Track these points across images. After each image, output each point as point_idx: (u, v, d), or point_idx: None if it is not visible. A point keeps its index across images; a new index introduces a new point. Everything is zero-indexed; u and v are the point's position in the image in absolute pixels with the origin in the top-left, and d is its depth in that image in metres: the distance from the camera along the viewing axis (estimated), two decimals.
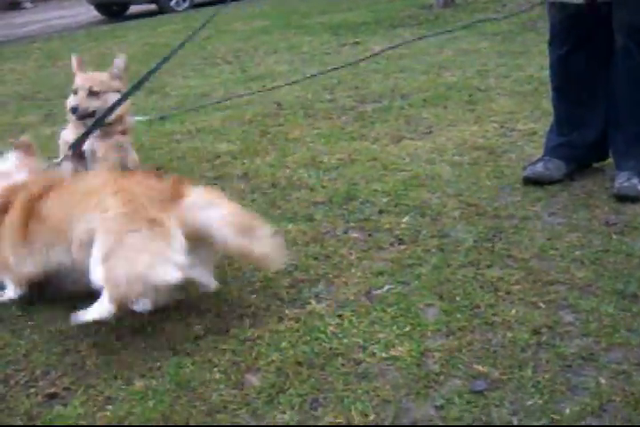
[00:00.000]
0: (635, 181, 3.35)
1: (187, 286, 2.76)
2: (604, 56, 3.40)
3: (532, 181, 3.56)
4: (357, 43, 7.86)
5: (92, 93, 3.63)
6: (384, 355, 2.41)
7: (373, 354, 2.42)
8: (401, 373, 2.32)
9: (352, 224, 3.36)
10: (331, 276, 2.93)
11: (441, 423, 2.09)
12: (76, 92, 3.65)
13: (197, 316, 2.73)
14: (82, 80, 3.68)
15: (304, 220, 3.46)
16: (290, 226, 3.39)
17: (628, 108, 3.42)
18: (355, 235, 3.26)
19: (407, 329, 2.53)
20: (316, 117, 5.13)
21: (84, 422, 2.25)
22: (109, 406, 2.32)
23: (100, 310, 2.54)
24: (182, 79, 7.27)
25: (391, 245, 3.14)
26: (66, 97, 6.92)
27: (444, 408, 2.15)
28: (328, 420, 2.16)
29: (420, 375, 2.30)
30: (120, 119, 3.69)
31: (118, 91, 3.68)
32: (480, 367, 2.30)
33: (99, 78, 3.70)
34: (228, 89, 6.51)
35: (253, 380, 2.36)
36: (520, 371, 2.26)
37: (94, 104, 3.64)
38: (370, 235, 3.24)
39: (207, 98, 6.23)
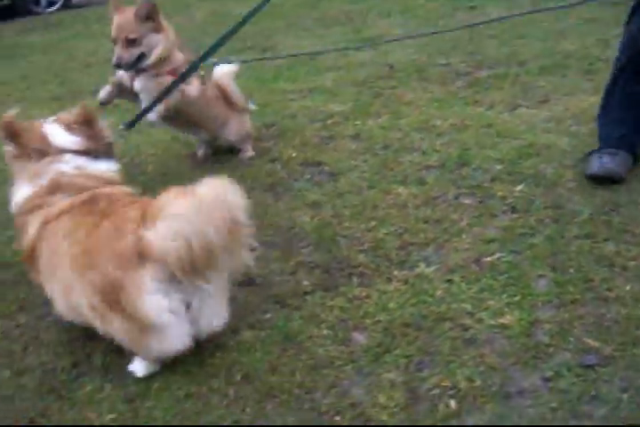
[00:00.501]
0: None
1: (294, 246, 2.80)
2: None
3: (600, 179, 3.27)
4: (473, 7, 7.64)
5: (130, 42, 3.46)
6: (492, 322, 2.38)
7: (481, 321, 2.40)
8: (509, 341, 2.30)
9: (464, 190, 3.31)
10: (440, 240, 2.91)
11: (548, 395, 2.06)
12: (115, 42, 3.50)
13: (306, 272, 2.77)
14: (117, 30, 3.48)
15: (415, 183, 3.42)
16: (401, 189, 3.37)
17: None
18: (466, 201, 3.21)
19: (517, 298, 2.49)
20: (429, 81, 5.04)
21: (193, 369, 2.33)
22: (218, 354, 2.39)
23: None
24: (294, 39, 7.26)
25: (503, 213, 3.08)
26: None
27: (551, 380, 2.12)
28: (433, 382, 2.16)
29: (529, 346, 2.27)
30: (167, 60, 3.64)
31: (155, 30, 3.55)
32: (591, 342, 2.25)
33: (131, 23, 3.46)
34: (341, 50, 6.45)
35: (360, 338, 2.38)
36: (633, 348, 2.21)
37: (135, 52, 3.49)
38: (481, 202, 3.19)
39: (319, 58, 6.20)
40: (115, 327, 2.21)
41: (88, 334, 2.53)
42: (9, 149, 2.51)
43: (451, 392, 2.12)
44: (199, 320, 2.24)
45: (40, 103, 5.82)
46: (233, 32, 3.51)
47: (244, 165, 3.87)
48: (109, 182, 2.53)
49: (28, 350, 2.59)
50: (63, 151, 2.52)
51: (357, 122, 4.33)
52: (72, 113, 2.62)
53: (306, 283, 2.70)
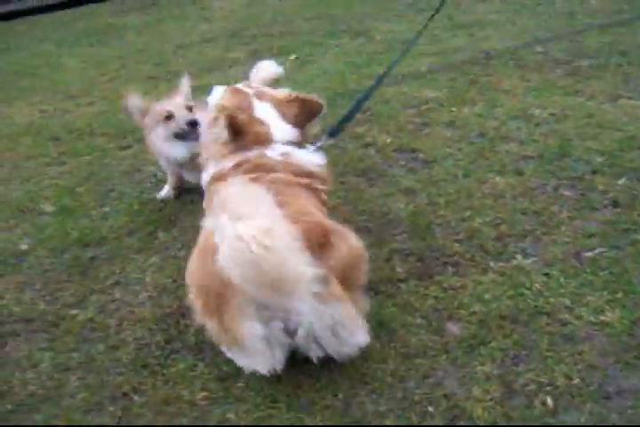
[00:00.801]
0: None
1: (388, 233, 2.76)
2: None
3: None
4: None
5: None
6: (592, 319, 2.31)
7: (581, 317, 2.33)
8: (609, 340, 2.22)
9: (563, 182, 3.21)
10: (539, 232, 2.83)
11: None
12: (190, 109, 3.41)
13: (401, 259, 2.74)
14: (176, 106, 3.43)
15: (512, 173, 3.34)
16: (497, 178, 3.29)
17: None
18: (566, 193, 3.12)
19: (619, 295, 2.41)
20: (526, 69, 4.91)
21: None
22: None
23: None
24: (387, 24, 7.18)
25: (605, 207, 2.98)
26: (271, 35, 7.14)
27: None
28: (529, 377, 2.11)
29: (631, 345, 2.19)
30: None
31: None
32: None
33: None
34: (434, 36, 6.36)
35: (454, 328, 2.35)
36: None
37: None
38: (582, 194, 3.09)
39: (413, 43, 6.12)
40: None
41: (182, 312, 2.57)
42: (219, 134, 2.52)
43: (547, 389, 2.07)
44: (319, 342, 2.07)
45: (135, 82, 5.93)
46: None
47: (339, 149, 3.85)
48: (308, 175, 2.46)
49: (123, 325, 2.64)
50: (278, 142, 2.53)
51: (453, 109, 4.25)
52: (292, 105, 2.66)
53: (400, 270, 2.67)
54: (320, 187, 2.45)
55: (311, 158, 2.55)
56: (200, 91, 5.26)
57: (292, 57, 6.12)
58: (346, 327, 2.04)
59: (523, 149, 3.59)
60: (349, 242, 2.13)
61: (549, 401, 2.03)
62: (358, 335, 2.11)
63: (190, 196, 3.53)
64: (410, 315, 2.42)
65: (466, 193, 3.18)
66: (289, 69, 5.64)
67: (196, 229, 3.08)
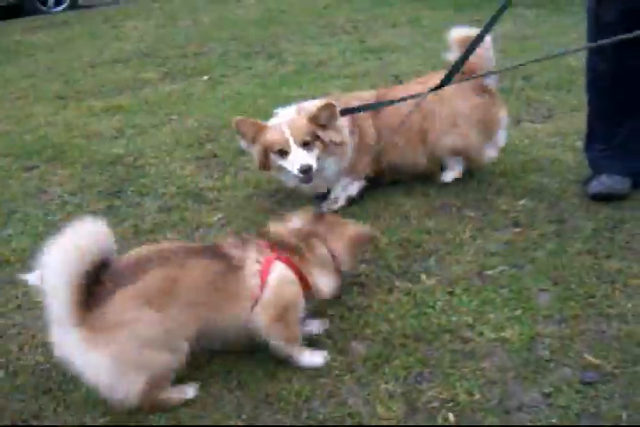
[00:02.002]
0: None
1: None
2: None
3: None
4: (479, 20, 7.66)
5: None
6: (493, 336, 2.37)
7: (482, 334, 2.39)
8: (509, 355, 2.28)
9: (467, 202, 3.30)
10: (442, 252, 2.90)
11: (548, 410, 2.05)
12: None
13: None
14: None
15: (419, 194, 3.42)
16: (403, 199, 3.37)
17: None
18: (469, 213, 3.21)
19: (518, 312, 2.48)
20: None
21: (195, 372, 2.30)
22: (215, 360, 2.37)
23: None
24: (300, 46, 7.27)
25: (506, 226, 3.08)
26: (184, 56, 7.13)
27: (551, 396, 2.11)
28: (432, 394, 2.15)
29: (530, 360, 2.26)
30: None
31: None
32: (592, 358, 2.24)
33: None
34: (346, 59, 6.48)
35: (359, 348, 2.37)
36: (634, 366, 2.20)
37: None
38: (484, 215, 3.19)
39: (324, 66, 6.21)
40: None
41: None
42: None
43: (449, 405, 2.11)
44: None
45: (43, 101, 5.82)
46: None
47: (248, 171, 3.85)
48: None
49: (24, 350, 2.57)
50: None
51: None
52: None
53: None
54: None
55: None
56: (112, 111, 5.25)
57: (205, 78, 6.13)
58: None
59: None
60: None
61: (451, 417, 2.06)
62: None
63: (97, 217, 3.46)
64: (316, 335, 2.44)
65: (373, 214, 3.24)
66: (201, 90, 5.65)
67: None
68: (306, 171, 3.06)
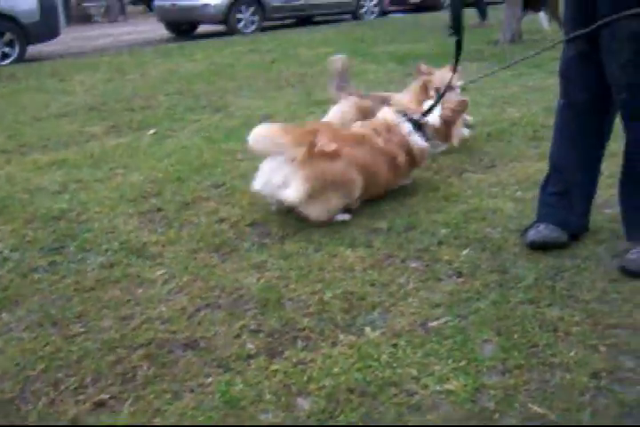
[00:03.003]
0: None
1: (239, 308, 2.77)
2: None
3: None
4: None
5: None
6: (438, 388, 2.36)
7: (427, 386, 2.37)
8: (454, 407, 2.27)
9: (411, 253, 3.32)
10: (387, 304, 2.90)
11: None
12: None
13: (251, 335, 2.72)
14: None
15: (363, 246, 3.43)
16: (348, 251, 3.37)
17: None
18: (413, 264, 3.23)
19: (462, 364, 2.48)
20: None
21: None
22: (156, 419, 2.31)
23: None
24: (246, 100, 7.34)
25: (449, 277, 3.10)
26: (131, 110, 7.13)
27: None
28: None
29: (474, 411, 2.25)
30: None
31: None
32: (536, 408, 2.24)
33: None
34: (291, 112, 6.55)
35: (304, 403, 2.34)
36: (577, 414, 2.20)
37: None
38: (428, 265, 3.21)
39: (270, 120, 6.27)
40: None
41: (25, 396, 2.45)
42: None
43: None
44: None
45: None
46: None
47: (192, 225, 3.84)
48: None
49: None
50: None
51: None
52: None
53: (250, 346, 2.65)
54: None
55: None
56: (56, 165, 5.19)
57: (151, 132, 6.12)
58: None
59: (372, 222, 3.71)
60: None
61: None
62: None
63: (38, 273, 3.39)
64: (259, 392, 2.40)
65: (317, 267, 3.23)
66: (147, 144, 5.64)
67: (44, 309, 2.99)
68: None
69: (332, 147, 3.59)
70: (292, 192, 3.50)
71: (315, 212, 3.62)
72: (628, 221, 3.22)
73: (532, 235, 3.32)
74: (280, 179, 3.55)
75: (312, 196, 3.52)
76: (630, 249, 3.12)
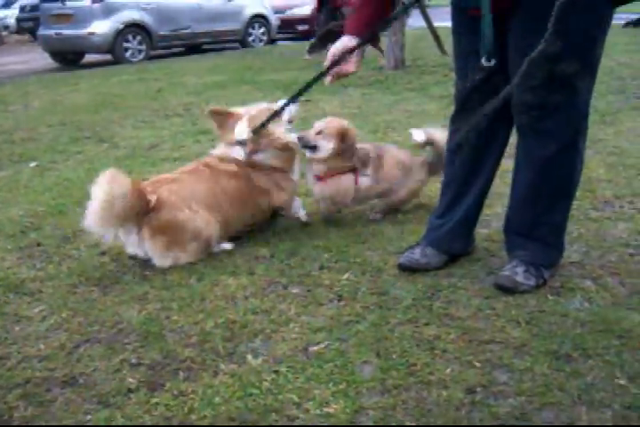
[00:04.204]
0: (519, 269, 3.21)
1: (119, 342, 2.74)
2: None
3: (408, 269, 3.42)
4: (308, 101, 7.97)
5: None
6: (318, 412, 2.39)
7: (308, 411, 2.40)
8: None
9: (293, 279, 3.36)
10: (268, 331, 2.92)
11: None
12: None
13: (131, 369, 2.69)
14: None
15: (245, 273, 3.45)
16: (230, 280, 3.38)
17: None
18: (295, 290, 3.26)
19: (342, 386, 2.52)
20: None
21: None
22: None
23: None
24: (132, 130, 7.27)
25: (330, 301, 3.15)
26: (12, 142, 6.95)
27: None
28: None
29: None
30: None
31: None
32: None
33: None
34: (178, 141, 6.53)
35: None
36: None
37: None
38: (309, 290, 3.25)
39: (156, 149, 6.23)
40: None
41: None
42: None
43: None
44: None
45: None
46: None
47: (73, 259, 3.77)
48: None
49: None
50: None
51: None
52: None
53: (131, 380, 2.61)
54: None
55: None
56: None
57: (33, 164, 5.98)
58: None
59: (255, 249, 3.73)
60: None
61: None
62: None
63: None
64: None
65: (199, 296, 3.22)
66: (28, 177, 5.51)
67: None
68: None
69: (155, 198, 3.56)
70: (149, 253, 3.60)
71: (170, 261, 3.61)
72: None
73: (403, 257, 3.44)
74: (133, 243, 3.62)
75: (167, 249, 3.58)
76: (504, 266, 3.26)
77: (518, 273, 3.17)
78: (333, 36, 11.61)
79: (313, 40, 13.11)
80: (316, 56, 11.99)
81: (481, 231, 3.76)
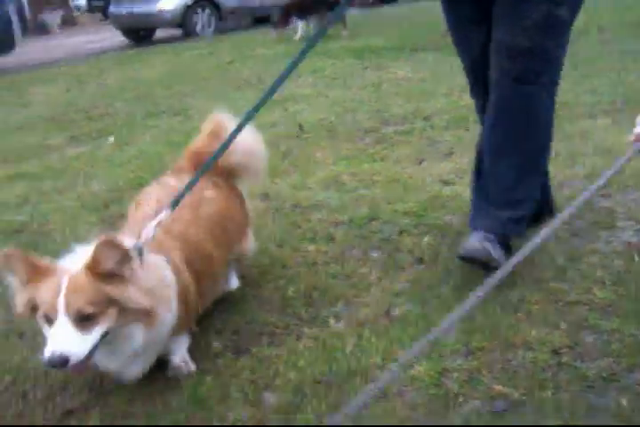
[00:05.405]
0: (488, 244, 2.86)
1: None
2: None
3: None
4: (378, 66, 7.91)
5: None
6: (402, 375, 2.39)
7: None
8: (419, 393, 2.31)
9: (372, 244, 3.35)
10: (350, 295, 2.93)
11: None
12: None
13: (216, 334, 2.74)
14: None
15: (325, 240, 3.46)
16: (310, 246, 3.39)
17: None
18: (375, 255, 3.26)
19: (426, 349, 2.51)
20: (338, 139, 5.15)
21: None
22: (127, 423, 2.32)
23: None
24: (205, 102, 7.31)
25: (411, 265, 3.13)
26: (90, 119, 7.10)
27: None
28: None
29: (439, 395, 2.28)
30: None
31: None
32: (500, 388, 2.28)
33: None
34: None
35: (271, 398, 2.36)
36: (540, 391, 2.24)
37: None
38: (389, 255, 3.24)
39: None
40: None
41: None
42: None
43: None
44: None
45: None
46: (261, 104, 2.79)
47: None
48: None
49: None
50: None
51: (267, 181, 4.36)
52: None
53: (216, 345, 2.66)
54: None
55: None
56: (16, 178, 5.17)
57: (111, 139, 6.10)
58: None
59: (334, 216, 3.73)
60: None
61: None
62: None
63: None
64: (226, 389, 2.41)
65: (280, 263, 3.25)
66: (107, 152, 5.63)
67: (9, 322, 2.98)
68: (57, 364, 2.00)
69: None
70: None
71: None
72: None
73: (465, 245, 2.94)
74: None
75: None
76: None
77: (489, 247, 2.85)
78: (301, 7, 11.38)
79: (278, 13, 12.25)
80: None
81: (564, 192, 3.67)
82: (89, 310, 2.07)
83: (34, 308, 2.14)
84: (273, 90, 2.58)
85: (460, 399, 2.25)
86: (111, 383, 2.52)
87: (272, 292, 3.01)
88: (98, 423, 2.32)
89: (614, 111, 4.96)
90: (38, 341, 2.81)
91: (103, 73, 10.57)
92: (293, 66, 2.45)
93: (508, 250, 2.91)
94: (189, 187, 2.48)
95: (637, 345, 2.41)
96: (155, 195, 2.75)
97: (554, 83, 2.94)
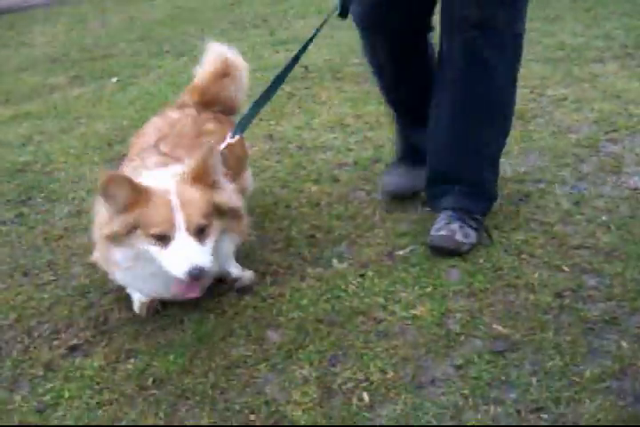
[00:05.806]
0: (454, 226, 2.76)
1: None
2: None
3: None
4: None
5: None
6: (405, 314, 2.41)
7: (394, 313, 2.42)
8: (421, 332, 2.32)
9: (377, 186, 3.33)
10: (353, 236, 2.93)
11: (460, 382, 2.09)
12: None
13: None
14: None
15: (329, 181, 3.44)
16: (314, 187, 3.38)
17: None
18: (379, 196, 3.24)
19: (429, 290, 2.53)
20: (343, 81, 5.08)
21: (105, 374, 2.29)
22: (130, 360, 2.35)
23: None
24: (210, 43, 7.22)
25: (415, 207, 3.12)
26: (93, 59, 7.01)
27: (462, 368, 2.15)
28: (346, 376, 2.17)
29: (441, 335, 2.30)
30: None
31: None
32: (501, 328, 2.29)
33: None
34: (256, 52, 6.46)
35: (274, 336, 2.38)
36: (541, 333, 2.26)
37: None
38: (394, 197, 3.22)
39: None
40: None
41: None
42: None
43: (364, 385, 2.13)
44: None
45: None
46: (266, 98, 3.02)
47: None
48: None
49: None
50: None
51: (271, 122, 4.33)
52: None
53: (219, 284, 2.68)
54: None
55: None
56: (19, 118, 5.13)
57: (114, 79, 6.04)
58: None
59: (338, 157, 3.71)
60: None
61: (366, 397, 2.08)
62: None
63: (6, 226, 3.39)
64: (230, 327, 2.44)
65: (284, 203, 3.25)
66: (110, 92, 5.57)
67: (14, 260, 3.00)
68: (197, 277, 2.12)
69: None
70: None
71: None
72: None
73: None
74: None
75: None
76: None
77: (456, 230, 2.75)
78: None
79: None
80: None
81: (571, 137, 3.64)
82: (205, 222, 2.18)
83: (131, 229, 2.18)
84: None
85: (461, 339, 2.27)
86: (115, 320, 2.55)
87: (276, 232, 3.01)
88: (102, 360, 2.35)
89: (625, 56, 4.86)
90: (42, 279, 2.86)
91: (106, 12, 10.40)
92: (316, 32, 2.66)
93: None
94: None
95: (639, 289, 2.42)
96: (157, 125, 2.76)
97: (516, 55, 2.73)
